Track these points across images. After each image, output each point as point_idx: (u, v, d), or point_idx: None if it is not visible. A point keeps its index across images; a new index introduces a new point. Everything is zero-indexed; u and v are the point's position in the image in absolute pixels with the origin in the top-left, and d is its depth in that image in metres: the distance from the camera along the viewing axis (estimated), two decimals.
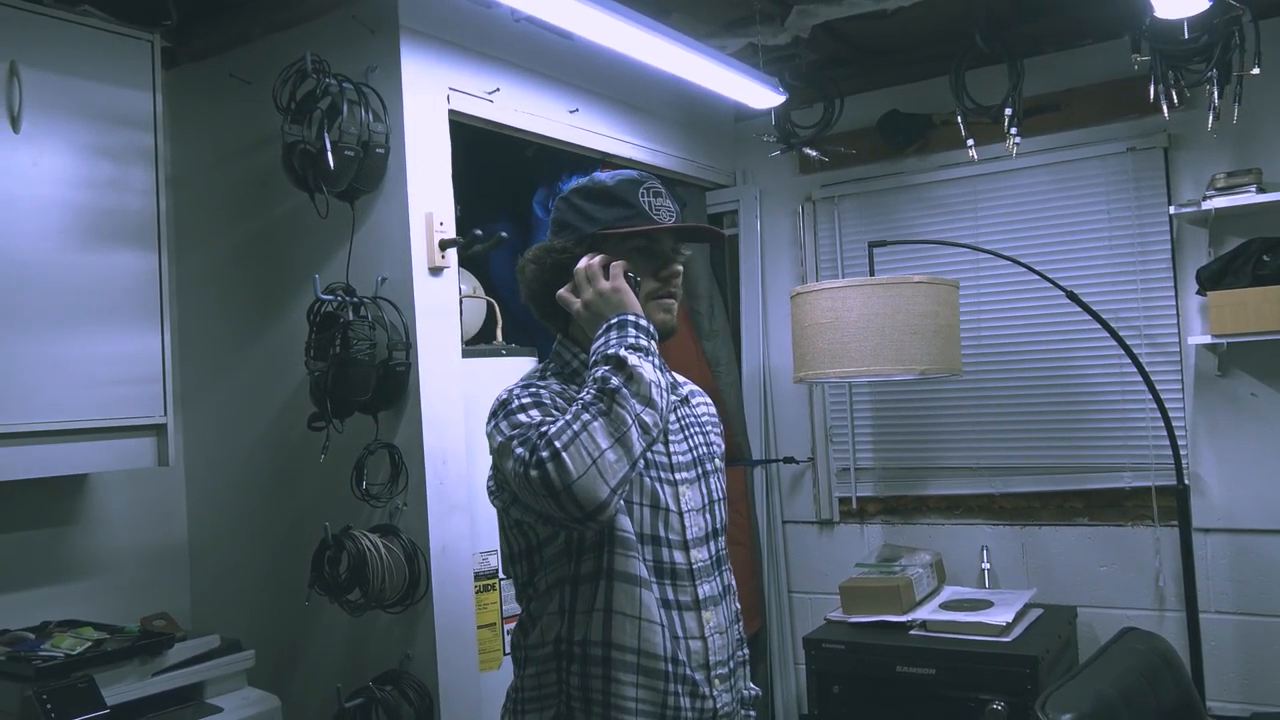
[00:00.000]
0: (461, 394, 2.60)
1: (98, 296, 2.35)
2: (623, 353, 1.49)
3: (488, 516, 2.71)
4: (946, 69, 3.16)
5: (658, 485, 1.61)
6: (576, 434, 1.42)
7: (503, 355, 2.88)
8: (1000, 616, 2.93)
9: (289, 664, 2.65)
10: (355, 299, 2.40)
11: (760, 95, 3.04)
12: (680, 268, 1.69)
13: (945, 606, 3.11)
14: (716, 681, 1.62)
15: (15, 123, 2.22)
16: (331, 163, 2.31)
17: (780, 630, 3.68)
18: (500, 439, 1.52)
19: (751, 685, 1.79)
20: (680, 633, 1.59)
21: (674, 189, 3.63)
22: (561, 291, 1.64)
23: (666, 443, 1.66)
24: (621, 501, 1.52)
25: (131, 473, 2.68)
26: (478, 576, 2.67)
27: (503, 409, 1.56)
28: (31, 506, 2.54)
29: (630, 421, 1.44)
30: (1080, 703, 1.76)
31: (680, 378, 1.82)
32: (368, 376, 2.35)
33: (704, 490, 1.69)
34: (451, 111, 2.65)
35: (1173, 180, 3.13)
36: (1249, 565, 3.05)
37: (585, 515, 1.41)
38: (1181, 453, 2.95)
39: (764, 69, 3.08)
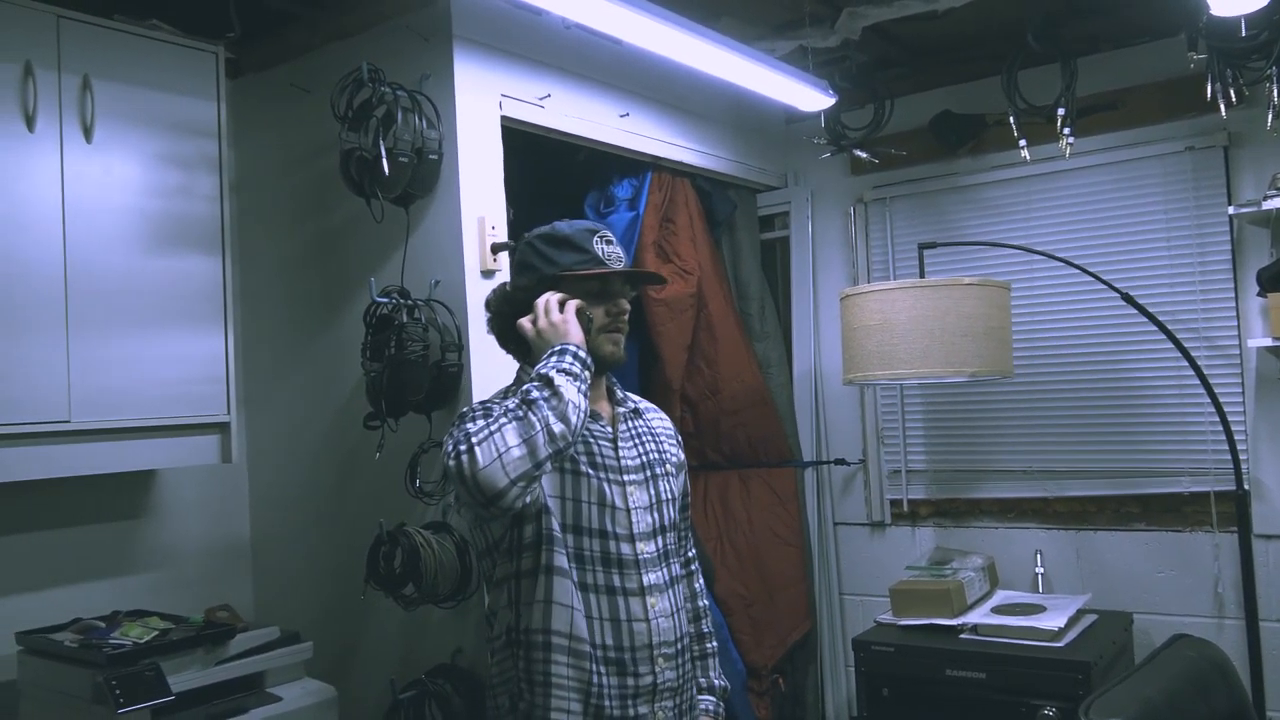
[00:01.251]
0: None
1: (165, 300, 2.45)
2: (553, 374, 1.71)
3: None
4: (999, 69, 3.13)
5: (606, 485, 1.87)
6: (491, 433, 1.64)
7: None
8: (1053, 621, 2.90)
9: (346, 656, 2.73)
10: (409, 301, 2.46)
11: (810, 98, 3.05)
12: (627, 305, 1.93)
13: (997, 610, 3.08)
14: (660, 660, 1.86)
15: (89, 133, 2.32)
16: (386, 169, 2.37)
17: (831, 632, 3.68)
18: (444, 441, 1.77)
19: (720, 678, 2.08)
20: (624, 615, 1.83)
21: (725, 191, 3.66)
22: (521, 320, 1.87)
23: (617, 449, 1.92)
24: (552, 501, 1.81)
25: (197, 469, 2.78)
26: None
27: (457, 420, 1.77)
28: (103, 500, 2.65)
29: (539, 428, 1.65)
30: (1127, 708, 1.75)
31: (635, 398, 2.09)
32: (421, 377, 2.41)
33: (652, 491, 1.94)
34: (504, 117, 2.70)
35: (1233, 180, 3.07)
36: None
37: (487, 500, 1.62)
38: (1241, 457, 2.89)
39: (814, 71, 3.09)
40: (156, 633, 2.29)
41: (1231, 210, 2.99)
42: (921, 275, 3.11)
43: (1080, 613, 3.04)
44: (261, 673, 2.42)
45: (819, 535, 3.72)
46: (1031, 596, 3.23)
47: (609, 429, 1.94)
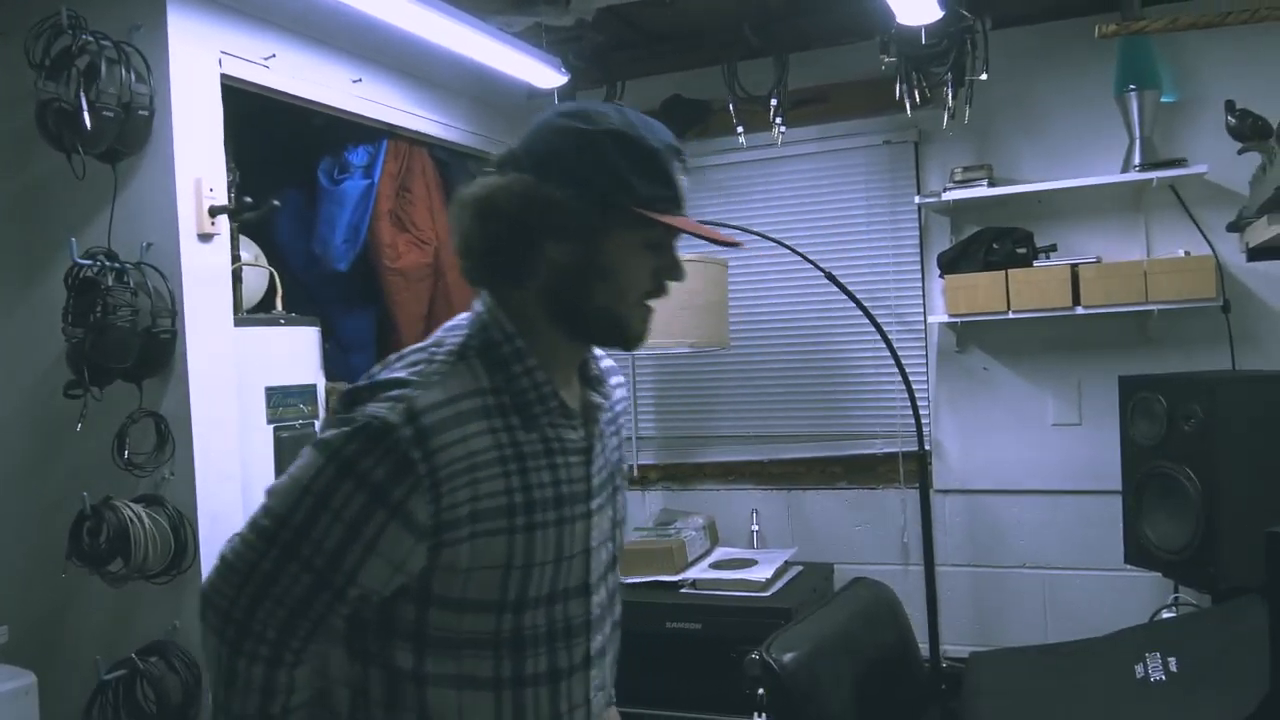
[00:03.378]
0: (236, 363, 2.58)
1: None
2: None
3: (257, 486, 2.72)
4: (724, 58, 3.33)
5: (567, 527, 1.27)
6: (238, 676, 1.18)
7: (280, 324, 2.87)
8: (761, 573, 3.16)
9: (48, 640, 2.57)
10: (117, 264, 2.34)
11: (544, 75, 3.13)
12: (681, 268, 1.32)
13: (714, 566, 3.32)
14: None
15: None
16: (89, 123, 2.24)
17: None
18: (254, 531, 1.19)
19: None
20: (564, 707, 1.29)
21: (465, 162, 3.68)
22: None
23: (589, 465, 1.31)
24: (489, 575, 1.21)
25: None
26: None
27: (313, 464, 1.17)
28: None
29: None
30: (801, 644, 1.96)
31: (603, 360, 1.46)
32: (129, 343, 2.30)
33: (611, 512, 1.38)
34: (224, 76, 2.60)
35: (921, 172, 3.43)
36: (979, 522, 3.40)
37: None
38: (924, 421, 3.25)
39: (549, 49, 3.17)
40: None
41: (919, 200, 3.34)
42: None
43: (787, 564, 3.32)
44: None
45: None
46: (746, 552, 3.49)
47: (582, 434, 1.31)
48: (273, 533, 1.16)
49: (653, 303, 1.31)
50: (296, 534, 1.16)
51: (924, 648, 3.19)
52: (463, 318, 1.31)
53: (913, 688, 2.34)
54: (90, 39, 2.30)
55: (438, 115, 3.44)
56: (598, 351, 1.43)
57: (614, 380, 1.46)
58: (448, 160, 3.61)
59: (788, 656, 1.90)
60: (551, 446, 1.26)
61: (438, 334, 1.29)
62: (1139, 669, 2.21)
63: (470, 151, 3.69)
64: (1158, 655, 2.22)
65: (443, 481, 1.14)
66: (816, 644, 1.98)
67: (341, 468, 1.14)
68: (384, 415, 1.15)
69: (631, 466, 3.80)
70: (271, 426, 2.77)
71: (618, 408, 1.45)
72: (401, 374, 1.20)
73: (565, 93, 3.43)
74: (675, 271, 1.30)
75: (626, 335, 1.29)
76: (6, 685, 2.29)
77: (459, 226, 1.27)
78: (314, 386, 2.94)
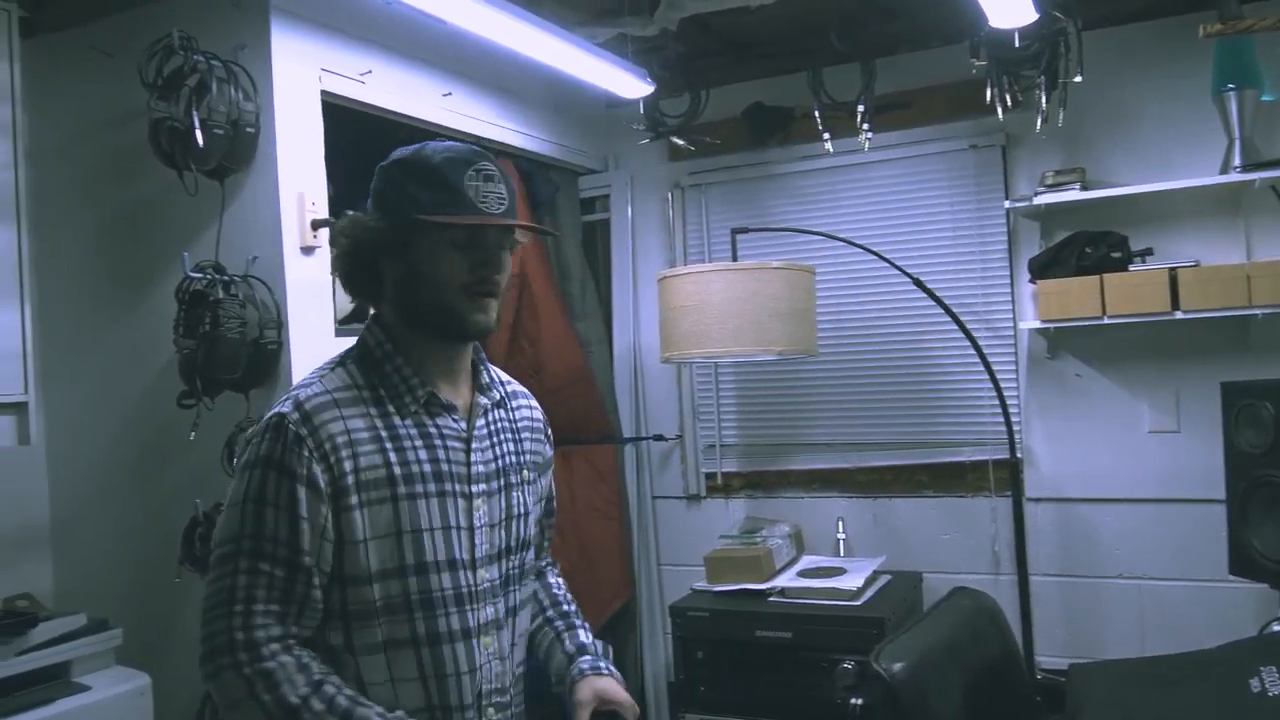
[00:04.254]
0: None
1: None
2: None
3: None
4: (807, 65, 3.32)
5: (449, 501, 1.50)
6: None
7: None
8: (851, 582, 3.13)
9: (161, 642, 2.64)
10: (225, 277, 2.41)
11: (629, 84, 3.14)
12: (503, 262, 1.52)
13: (802, 574, 3.30)
14: (491, 711, 1.53)
15: None
16: (200, 140, 2.31)
17: (650, 601, 3.83)
18: (213, 558, 1.43)
19: (589, 637, 1.75)
20: (449, 669, 1.48)
21: (547, 173, 3.72)
22: None
23: (469, 452, 1.54)
24: (372, 545, 1.44)
25: None
26: None
27: (240, 481, 1.44)
28: None
29: None
30: (910, 652, 1.94)
31: (504, 376, 1.73)
32: (238, 354, 2.37)
33: (503, 504, 1.57)
34: (324, 92, 2.67)
35: (1010, 176, 3.38)
36: (1073, 531, 3.34)
37: None
38: (1015, 428, 3.20)
39: (633, 59, 3.19)
40: None
41: (1007, 204, 3.29)
42: (734, 259, 3.28)
43: (876, 573, 3.29)
44: (67, 662, 2.32)
45: (638, 509, 3.86)
46: (833, 560, 3.47)
47: (463, 425, 1.55)
48: (233, 553, 1.39)
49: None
50: (254, 539, 1.39)
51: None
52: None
53: (1019, 700, 2.30)
54: (200, 59, 2.37)
55: (521, 126, 3.48)
56: (505, 376, 1.72)
57: (518, 402, 1.71)
58: (531, 171, 3.65)
59: (897, 666, 1.89)
60: (428, 430, 1.51)
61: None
62: (1254, 683, 2.15)
63: (552, 161, 3.73)
64: (1274, 669, 2.16)
65: (329, 453, 1.42)
66: (925, 653, 1.95)
67: (262, 466, 1.41)
68: (278, 410, 1.46)
69: (717, 474, 3.80)
70: None
71: (519, 417, 1.68)
72: (292, 390, 1.50)
73: (649, 102, 3.45)
74: (484, 265, 1.48)
75: (462, 324, 1.49)
76: (123, 686, 2.36)
77: (333, 258, 1.62)
78: None
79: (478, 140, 3.30)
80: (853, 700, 2.84)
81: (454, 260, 1.47)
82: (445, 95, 3.09)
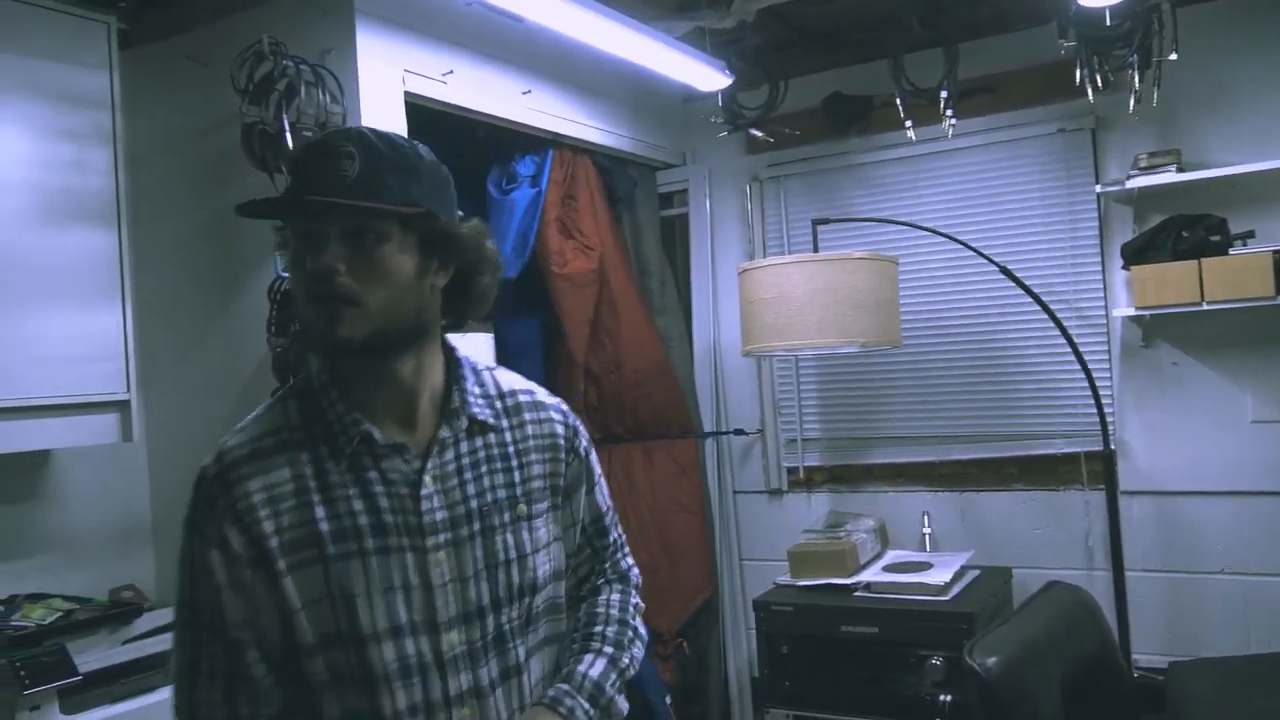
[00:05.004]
0: None
1: (59, 275, 2.40)
2: None
3: None
4: (888, 52, 3.27)
5: (396, 559, 1.25)
6: None
7: (459, 331, 2.95)
8: (939, 577, 3.08)
9: None
10: None
11: (707, 77, 3.14)
12: (327, 260, 1.20)
13: (888, 569, 3.25)
14: None
15: None
16: (290, 143, 2.37)
17: (732, 596, 3.82)
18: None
19: (597, 670, 1.43)
20: None
21: (626, 168, 3.72)
22: None
23: (417, 498, 1.27)
24: (303, 615, 1.23)
25: (94, 449, 2.73)
26: None
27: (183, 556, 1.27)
28: None
29: None
30: (1005, 647, 1.90)
31: (513, 384, 1.44)
32: None
33: (478, 552, 1.30)
34: (407, 93, 2.71)
35: (1100, 160, 3.28)
36: (1171, 525, 3.23)
37: None
38: (1108, 420, 3.11)
39: (711, 52, 3.18)
40: (60, 614, 2.26)
41: (1098, 189, 3.20)
42: (815, 250, 3.24)
43: (964, 569, 3.23)
44: (169, 651, 2.39)
45: (719, 503, 3.84)
46: (919, 555, 3.41)
47: (414, 464, 1.29)
48: (178, 622, 1.26)
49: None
50: (191, 608, 1.25)
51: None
52: None
53: (1117, 697, 2.24)
54: (289, 63, 2.43)
55: (600, 123, 3.50)
56: (517, 383, 1.44)
57: (526, 416, 1.40)
58: (609, 167, 3.66)
59: (992, 660, 1.85)
60: (366, 476, 1.26)
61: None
62: None
63: (630, 157, 3.73)
64: None
65: (243, 513, 1.22)
66: (1021, 648, 1.91)
67: (185, 528, 1.26)
68: (203, 466, 1.27)
69: (799, 469, 3.77)
70: None
71: (529, 442, 1.39)
72: (228, 433, 1.29)
73: (727, 95, 3.43)
74: (314, 259, 1.20)
75: (316, 342, 1.24)
76: None
77: None
78: None
79: (556, 137, 3.32)
80: (942, 697, 2.80)
81: (294, 264, 1.24)
82: (525, 93, 3.12)
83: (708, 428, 3.84)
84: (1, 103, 2.30)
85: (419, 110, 2.81)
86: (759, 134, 3.55)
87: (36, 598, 2.39)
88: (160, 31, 2.86)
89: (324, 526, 1.23)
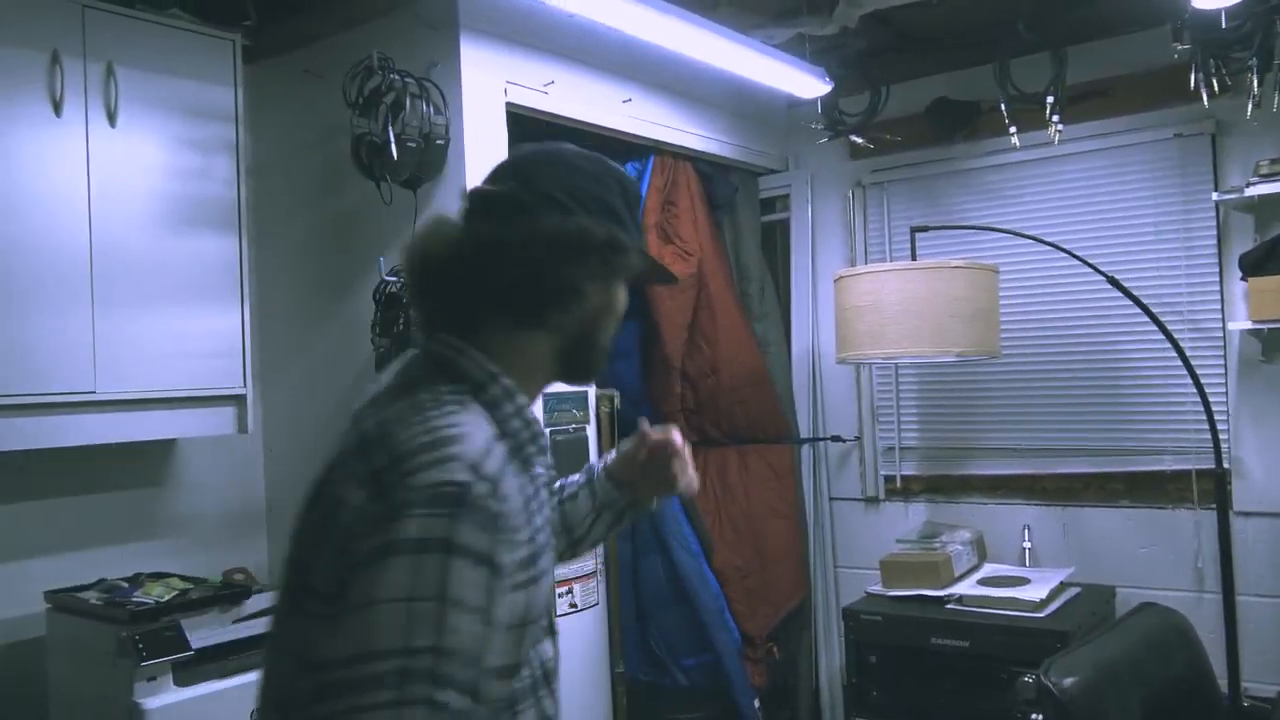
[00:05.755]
0: None
1: (184, 277, 2.57)
2: None
3: None
4: (993, 56, 3.21)
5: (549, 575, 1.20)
6: None
7: None
8: (1035, 593, 3.01)
9: None
10: None
11: (806, 84, 3.14)
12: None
13: (983, 582, 3.20)
14: None
15: (112, 118, 2.44)
16: (395, 153, 2.49)
17: (825, 602, 3.80)
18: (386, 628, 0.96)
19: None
20: None
21: (727, 174, 3.75)
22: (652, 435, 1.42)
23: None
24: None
25: (215, 439, 2.91)
26: None
27: (402, 570, 0.96)
28: (125, 469, 2.78)
29: None
30: (1083, 668, 1.86)
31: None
32: None
33: None
34: (509, 104, 2.80)
35: (1220, 166, 3.14)
36: None
37: None
38: (1222, 437, 2.98)
39: (812, 58, 3.18)
40: (177, 592, 2.42)
41: (1216, 197, 3.07)
42: (913, 258, 3.21)
43: (1063, 585, 3.15)
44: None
45: (815, 510, 3.83)
46: (1017, 569, 3.34)
47: (551, 465, 1.28)
48: (399, 674, 0.94)
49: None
50: (435, 655, 0.95)
51: (1223, 684, 2.94)
52: (409, 367, 1.23)
53: None
54: (396, 77, 2.55)
55: (700, 129, 3.53)
56: None
57: None
58: (710, 173, 3.69)
59: (1069, 680, 1.82)
60: (539, 484, 1.16)
61: (415, 392, 1.14)
62: None
63: (732, 163, 3.76)
64: None
65: (514, 529, 1.05)
66: (1101, 669, 1.87)
67: (441, 549, 0.97)
68: (452, 479, 1.00)
69: (896, 477, 3.73)
70: (548, 430, 2.95)
71: None
72: (427, 439, 1.04)
73: (828, 101, 3.43)
74: (618, 309, 1.25)
75: (596, 371, 1.27)
76: None
77: (478, 264, 1.16)
78: (585, 393, 3.09)
79: (657, 145, 3.37)
80: (1034, 716, 2.74)
81: (618, 309, 1.25)
82: (625, 101, 3.18)
83: (804, 433, 3.83)
84: (135, 116, 2.48)
85: (522, 120, 2.90)
86: (859, 140, 3.53)
87: (157, 576, 2.57)
88: (281, 46, 3.03)
89: (541, 538, 1.13)
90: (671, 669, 3.63)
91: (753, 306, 3.80)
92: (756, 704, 3.50)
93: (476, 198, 1.22)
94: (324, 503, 1.10)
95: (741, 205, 3.83)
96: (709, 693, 3.54)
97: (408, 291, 1.34)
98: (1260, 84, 2.71)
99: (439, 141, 2.61)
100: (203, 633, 2.36)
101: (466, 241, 1.17)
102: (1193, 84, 2.77)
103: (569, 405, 3.04)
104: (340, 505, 1.05)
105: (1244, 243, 3.09)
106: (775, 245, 4.01)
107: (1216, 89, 2.77)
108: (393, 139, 2.49)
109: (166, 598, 2.37)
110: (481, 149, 2.70)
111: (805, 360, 3.87)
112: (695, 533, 3.54)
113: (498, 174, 1.24)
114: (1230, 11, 2.58)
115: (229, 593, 2.48)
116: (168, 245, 2.54)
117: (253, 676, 2.34)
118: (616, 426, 3.22)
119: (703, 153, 3.58)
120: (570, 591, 2.99)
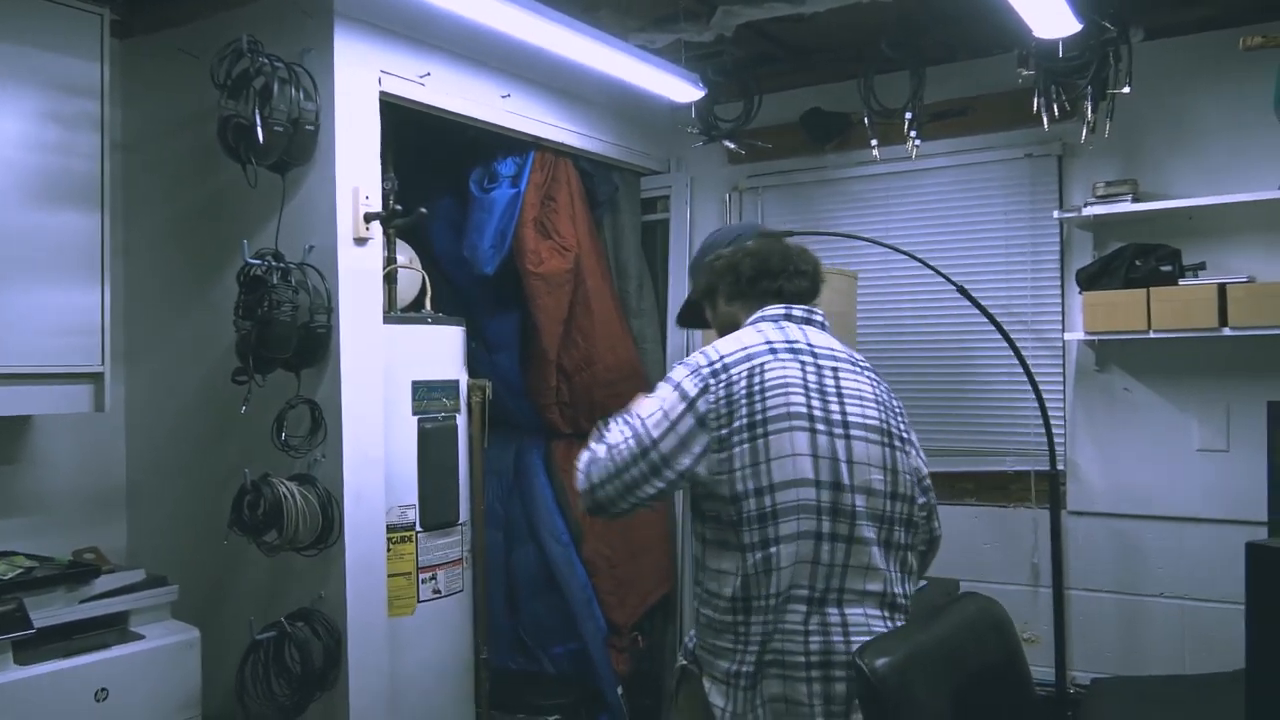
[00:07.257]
0: (383, 357, 2.80)
1: (41, 251, 2.53)
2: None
3: (400, 472, 2.93)
4: (861, 71, 3.35)
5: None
6: None
7: (428, 324, 3.08)
8: None
9: (212, 600, 2.86)
10: (281, 264, 2.59)
11: (681, 89, 3.23)
12: None
13: None
14: None
15: None
16: (261, 137, 2.49)
17: (691, 593, 3.90)
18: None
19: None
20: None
21: (609, 173, 3.83)
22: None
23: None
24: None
25: (73, 417, 2.87)
26: (392, 529, 2.88)
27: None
28: None
29: None
30: (896, 650, 1.98)
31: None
32: (289, 336, 2.54)
33: None
34: (383, 93, 2.83)
35: (1065, 186, 3.35)
36: (1116, 547, 3.29)
37: None
38: (1057, 441, 3.18)
39: (690, 64, 3.27)
40: (20, 570, 2.39)
41: (1058, 215, 3.27)
42: None
43: None
44: (125, 612, 2.53)
45: (683, 503, 3.93)
46: None
47: None
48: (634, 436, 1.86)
49: None
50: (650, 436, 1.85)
51: (1051, 671, 3.14)
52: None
53: (1020, 710, 2.31)
54: (265, 61, 2.56)
55: (582, 128, 3.60)
56: None
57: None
58: (592, 171, 3.76)
59: (880, 661, 1.92)
60: None
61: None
62: None
63: (614, 163, 3.83)
64: None
65: (727, 399, 1.86)
66: (913, 652, 1.98)
67: (675, 388, 1.89)
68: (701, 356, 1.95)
69: None
70: (416, 418, 2.99)
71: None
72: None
73: (703, 106, 3.53)
74: None
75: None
76: (175, 638, 2.57)
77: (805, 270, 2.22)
78: (456, 382, 3.14)
79: (537, 140, 3.43)
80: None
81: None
82: (504, 97, 3.23)
83: None
84: None
85: (407, 111, 2.93)
86: (731, 145, 3.64)
87: (1, 554, 2.53)
88: (158, 23, 3.00)
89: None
90: (540, 657, 3.70)
91: (630, 303, 3.88)
92: (620, 691, 3.59)
93: None
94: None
95: (623, 204, 3.91)
96: (575, 680, 3.62)
97: None
98: (1095, 111, 2.90)
99: (308, 127, 2.62)
100: (47, 612, 2.34)
101: None
102: (1035, 108, 2.94)
103: (439, 394, 3.08)
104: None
105: (1084, 258, 3.29)
106: (656, 244, 4.10)
107: (1057, 114, 2.95)
108: (259, 122, 2.50)
109: (8, 575, 2.34)
110: (352, 137, 2.72)
111: (680, 357, 3.94)
112: (566, 523, 3.62)
113: None
114: (1068, 43, 2.76)
115: (75, 572, 2.46)
116: (25, 219, 2.50)
117: (102, 656, 2.36)
118: (487, 415, 3.27)
119: (584, 151, 3.64)
120: (434, 578, 3.04)
